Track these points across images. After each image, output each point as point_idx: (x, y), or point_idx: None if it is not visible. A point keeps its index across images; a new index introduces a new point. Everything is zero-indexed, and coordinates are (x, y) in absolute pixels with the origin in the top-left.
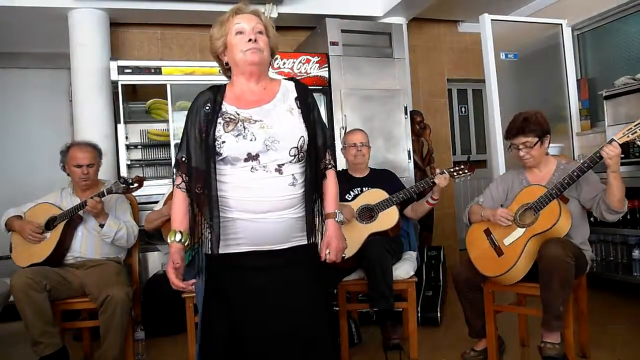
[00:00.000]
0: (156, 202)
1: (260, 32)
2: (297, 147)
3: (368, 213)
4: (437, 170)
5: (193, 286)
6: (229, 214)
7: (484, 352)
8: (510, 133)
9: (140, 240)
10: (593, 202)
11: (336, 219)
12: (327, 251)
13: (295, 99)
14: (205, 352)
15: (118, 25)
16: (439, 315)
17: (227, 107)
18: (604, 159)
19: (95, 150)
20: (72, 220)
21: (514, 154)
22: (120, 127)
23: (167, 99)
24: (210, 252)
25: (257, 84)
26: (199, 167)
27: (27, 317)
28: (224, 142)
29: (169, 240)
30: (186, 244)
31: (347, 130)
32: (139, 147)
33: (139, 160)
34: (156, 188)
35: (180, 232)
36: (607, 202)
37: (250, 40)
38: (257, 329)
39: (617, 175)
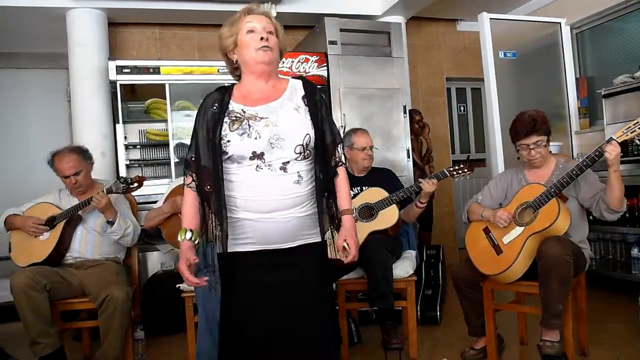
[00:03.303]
0: (155, 202)
1: (270, 32)
2: (302, 145)
3: (368, 212)
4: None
5: (207, 282)
6: (237, 214)
7: (484, 350)
8: (521, 133)
9: (139, 240)
10: (592, 202)
11: (352, 215)
12: (345, 244)
13: (303, 97)
14: (222, 350)
15: (116, 25)
16: (438, 314)
17: (234, 105)
18: (607, 158)
19: (79, 154)
20: (71, 219)
21: (524, 155)
22: (119, 127)
23: (165, 99)
24: (220, 251)
25: (265, 83)
26: (207, 166)
27: (26, 317)
28: (229, 140)
29: (179, 239)
30: (196, 242)
31: (351, 130)
32: (137, 147)
33: (138, 160)
34: (155, 188)
35: (191, 230)
36: (606, 201)
37: (262, 38)
38: (266, 327)
39: (618, 174)
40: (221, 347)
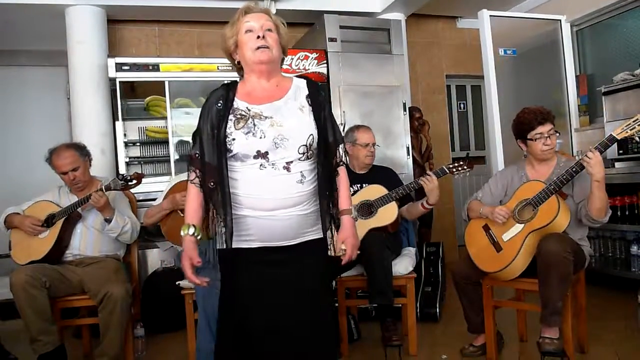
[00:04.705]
0: (155, 199)
1: (269, 30)
2: (306, 145)
3: (367, 209)
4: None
5: (207, 283)
6: (240, 211)
7: (483, 347)
8: (536, 122)
9: (139, 237)
10: (579, 206)
11: (351, 215)
12: (343, 247)
13: (307, 96)
14: (219, 347)
15: (115, 22)
16: (438, 310)
17: (238, 103)
18: (586, 168)
19: (76, 150)
20: (70, 217)
21: (540, 145)
22: (119, 124)
23: (165, 96)
24: (223, 247)
25: (268, 82)
26: (211, 163)
27: (26, 314)
28: (234, 139)
29: (182, 233)
30: (199, 237)
31: (354, 126)
32: (137, 144)
33: (138, 157)
34: (155, 185)
35: (194, 225)
36: (586, 208)
37: (258, 37)
38: (266, 324)
39: (600, 185)
40: (218, 344)
